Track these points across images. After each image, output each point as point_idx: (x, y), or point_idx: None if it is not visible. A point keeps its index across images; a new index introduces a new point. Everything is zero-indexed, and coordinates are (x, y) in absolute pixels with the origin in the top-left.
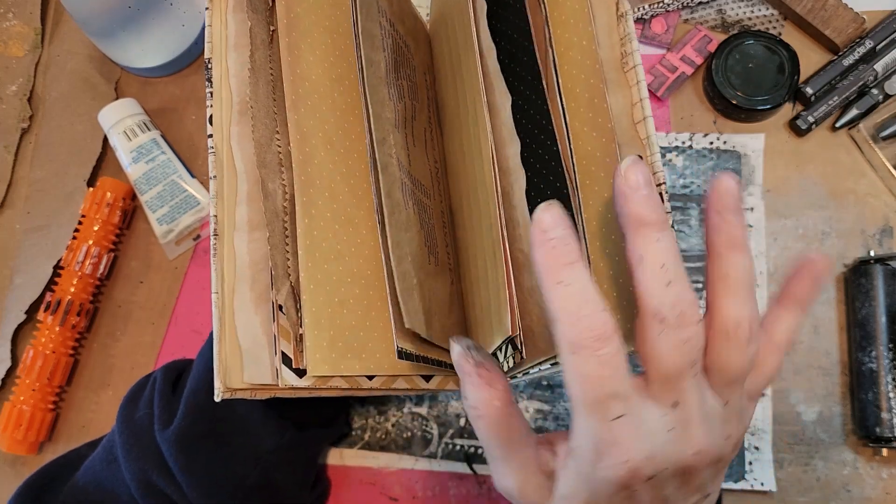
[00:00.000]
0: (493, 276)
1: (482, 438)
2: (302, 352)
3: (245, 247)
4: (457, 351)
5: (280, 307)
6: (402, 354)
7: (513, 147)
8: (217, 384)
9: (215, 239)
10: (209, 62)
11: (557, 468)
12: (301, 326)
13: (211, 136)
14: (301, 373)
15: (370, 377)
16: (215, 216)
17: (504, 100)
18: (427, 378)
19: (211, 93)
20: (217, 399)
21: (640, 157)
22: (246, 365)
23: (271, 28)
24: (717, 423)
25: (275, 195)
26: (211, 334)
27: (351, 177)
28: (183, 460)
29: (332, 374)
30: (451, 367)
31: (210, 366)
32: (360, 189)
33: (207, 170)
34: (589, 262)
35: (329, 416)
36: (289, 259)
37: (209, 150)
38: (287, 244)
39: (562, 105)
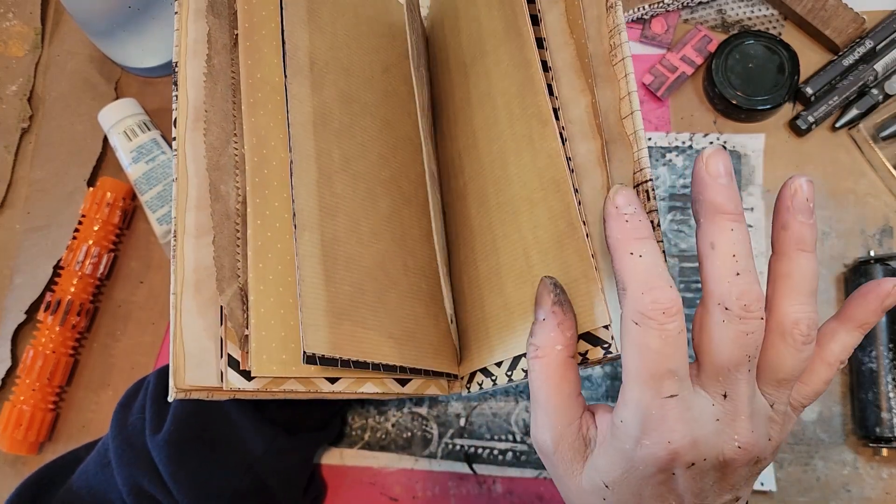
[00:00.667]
0: (523, 271)
1: (533, 382)
2: (246, 353)
3: (192, 253)
4: (544, 283)
5: (224, 309)
6: (308, 359)
7: (585, 145)
8: (170, 384)
9: (174, 241)
10: (176, 65)
11: (598, 438)
12: (247, 328)
13: (175, 138)
14: (249, 375)
15: (332, 380)
16: (174, 217)
17: (578, 96)
18: (403, 382)
19: (176, 96)
20: (170, 399)
21: (724, 147)
22: (189, 368)
23: (234, 32)
24: (762, 422)
25: (227, 197)
26: None
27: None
28: (173, 466)
29: (283, 375)
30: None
31: None
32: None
33: None
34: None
35: (322, 420)
36: (238, 261)
37: (172, 152)
38: (238, 246)
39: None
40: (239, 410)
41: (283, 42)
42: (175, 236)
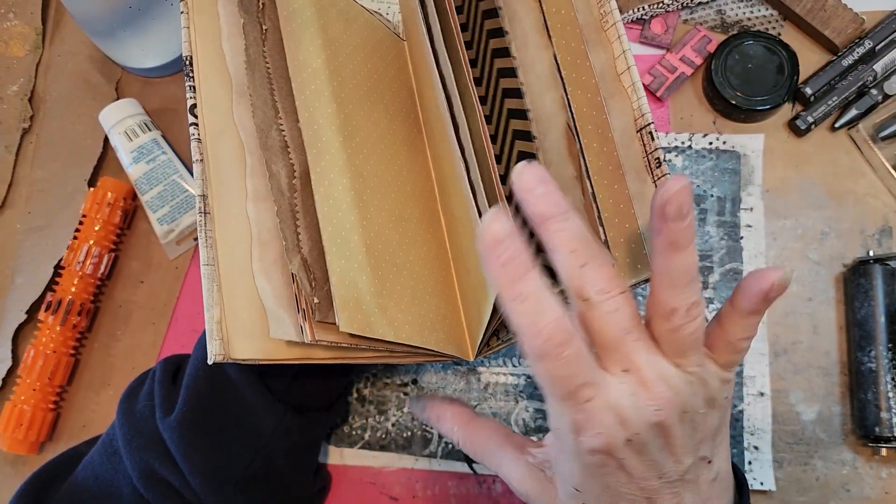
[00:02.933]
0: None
1: (477, 454)
2: (317, 322)
3: (254, 214)
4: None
5: (295, 277)
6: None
7: (548, 96)
8: (211, 349)
9: (203, 217)
10: (187, 59)
11: (551, 454)
12: (316, 297)
13: (195, 125)
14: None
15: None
16: (203, 195)
17: (542, 53)
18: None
19: (192, 86)
20: (210, 362)
21: (533, 159)
22: (271, 323)
23: (263, 27)
24: (675, 380)
25: (279, 175)
26: None
27: (356, 157)
28: (185, 447)
29: (362, 333)
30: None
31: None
32: (364, 170)
33: None
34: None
35: (328, 400)
36: (299, 233)
37: (192, 138)
38: (297, 220)
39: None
40: (251, 389)
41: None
42: (207, 213)
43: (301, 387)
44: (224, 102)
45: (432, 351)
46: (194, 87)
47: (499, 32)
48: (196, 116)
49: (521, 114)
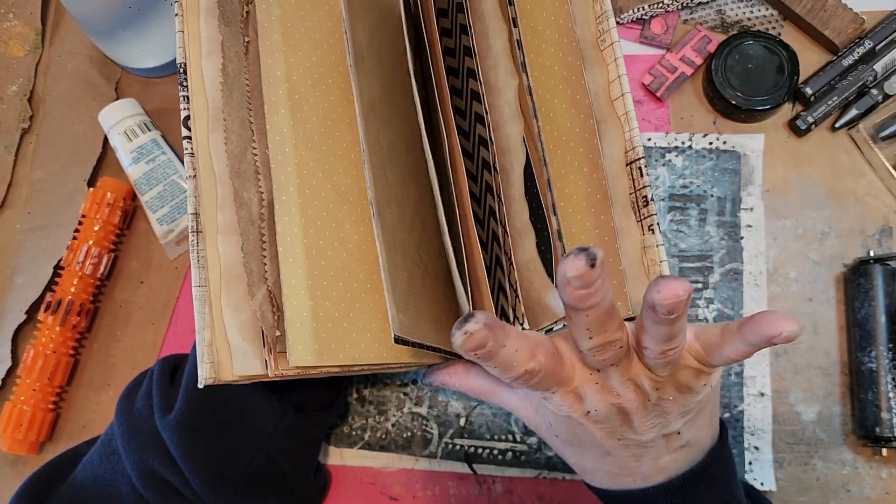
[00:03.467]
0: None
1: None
2: (279, 353)
3: (227, 249)
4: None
5: (256, 313)
6: (399, 340)
7: (515, 127)
8: (202, 372)
9: (195, 236)
10: (181, 66)
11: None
12: (278, 329)
13: (188, 138)
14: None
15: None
16: (195, 213)
17: (510, 80)
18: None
19: (186, 96)
20: (200, 385)
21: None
22: (235, 358)
23: (245, 39)
24: (641, 382)
25: (250, 203)
26: None
27: (333, 174)
28: (185, 447)
29: (317, 364)
30: (447, 352)
31: None
32: (343, 185)
33: None
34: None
35: (327, 399)
36: (265, 263)
37: (185, 151)
38: (264, 249)
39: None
40: (251, 389)
41: (346, 32)
42: (199, 231)
43: (300, 386)
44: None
45: (410, 363)
46: (188, 98)
47: (469, 52)
48: (190, 129)
49: (485, 142)
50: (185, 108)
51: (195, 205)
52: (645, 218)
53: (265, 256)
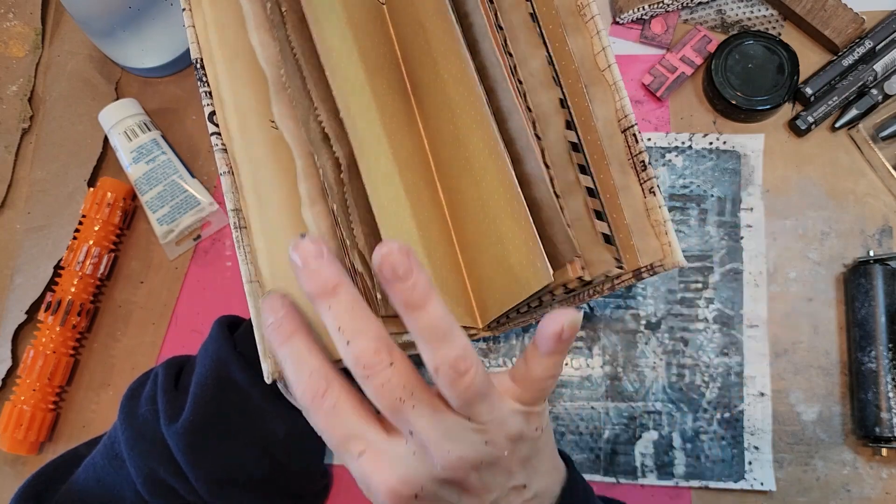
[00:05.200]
0: (509, 229)
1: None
2: (380, 316)
3: (312, 220)
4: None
5: (357, 273)
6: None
7: (545, 94)
8: (266, 367)
9: (240, 232)
10: (198, 62)
11: None
12: (378, 293)
13: (217, 133)
14: None
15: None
16: (236, 209)
17: (535, 50)
18: None
19: (207, 92)
20: (268, 381)
21: (303, 235)
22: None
23: (282, 8)
24: (465, 435)
25: (325, 170)
26: (212, 331)
27: (391, 138)
28: (192, 455)
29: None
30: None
31: (216, 359)
32: (403, 148)
33: (208, 170)
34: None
35: None
36: (353, 227)
37: (216, 148)
38: (349, 214)
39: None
40: (261, 395)
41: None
42: (242, 227)
43: None
44: (248, 103)
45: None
46: (210, 93)
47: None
48: (217, 125)
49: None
50: (208, 104)
51: (234, 201)
52: (645, 182)
53: (351, 222)
